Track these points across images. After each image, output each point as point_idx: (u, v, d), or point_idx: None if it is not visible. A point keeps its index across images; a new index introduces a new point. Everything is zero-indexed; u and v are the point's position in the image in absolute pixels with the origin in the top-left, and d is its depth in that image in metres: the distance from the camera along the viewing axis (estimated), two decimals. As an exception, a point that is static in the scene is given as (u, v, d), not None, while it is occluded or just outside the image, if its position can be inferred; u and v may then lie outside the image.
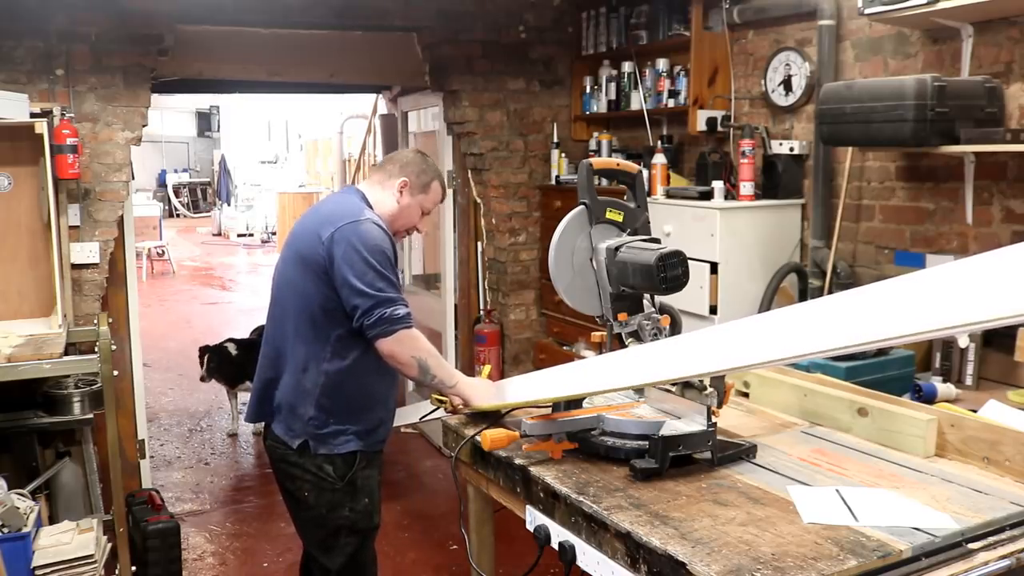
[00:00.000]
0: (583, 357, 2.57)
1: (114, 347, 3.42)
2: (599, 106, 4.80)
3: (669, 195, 3.93)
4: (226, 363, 5.48)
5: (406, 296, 2.36)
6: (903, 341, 1.25)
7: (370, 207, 2.37)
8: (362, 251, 2.21)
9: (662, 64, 4.33)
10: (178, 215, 20.40)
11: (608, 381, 1.96)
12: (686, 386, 1.97)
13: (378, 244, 2.24)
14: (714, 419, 1.93)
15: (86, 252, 3.97)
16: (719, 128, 4.01)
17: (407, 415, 2.94)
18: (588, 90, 4.86)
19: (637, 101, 4.48)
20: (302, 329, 2.32)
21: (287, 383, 2.36)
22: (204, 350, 5.54)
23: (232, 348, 5.55)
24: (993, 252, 1.16)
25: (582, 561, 1.73)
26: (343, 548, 2.39)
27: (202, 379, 5.53)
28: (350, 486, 2.36)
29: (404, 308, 2.23)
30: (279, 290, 2.42)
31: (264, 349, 2.46)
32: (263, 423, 2.50)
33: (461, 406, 2.30)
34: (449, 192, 5.21)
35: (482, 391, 2.29)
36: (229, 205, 18.33)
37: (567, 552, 1.75)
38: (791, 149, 3.69)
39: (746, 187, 3.67)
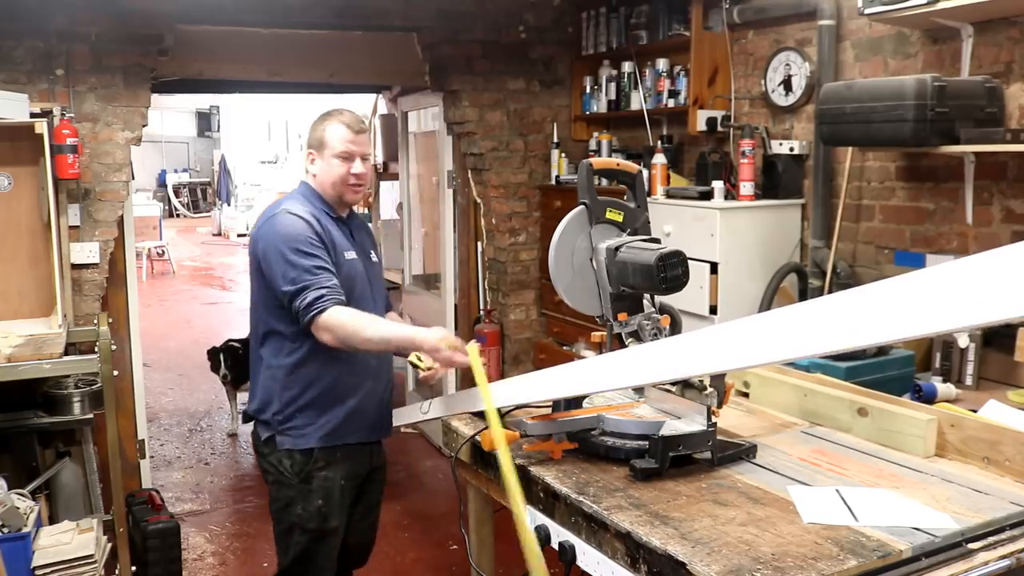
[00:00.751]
0: (583, 357, 2.56)
1: (114, 347, 3.42)
2: (599, 106, 4.80)
3: (669, 195, 3.93)
4: (236, 362, 5.49)
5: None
6: (903, 340, 1.25)
7: (308, 193, 2.41)
8: (275, 244, 2.26)
9: (662, 64, 4.33)
10: (178, 215, 20.40)
11: (608, 381, 1.96)
12: (686, 386, 1.97)
13: (289, 232, 2.26)
14: (714, 419, 1.93)
15: (86, 252, 3.97)
16: (719, 128, 4.01)
17: (406, 415, 2.93)
18: (588, 90, 4.86)
19: (637, 101, 4.48)
20: (260, 327, 2.39)
21: (259, 380, 2.42)
22: (215, 351, 5.54)
23: (239, 347, 5.56)
24: (993, 251, 1.16)
25: (582, 561, 1.73)
26: (294, 546, 2.41)
27: (224, 378, 5.54)
28: (305, 484, 2.37)
29: (314, 292, 2.21)
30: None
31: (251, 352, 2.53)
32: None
33: (436, 366, 2.29)
34: (449, 192, 5.21)
35: (433, 333, 2.21)
36: (229, 205, 18.33)
37: (567, 552, 1.75)
38: (791, 149, 3.69)
39: (746, 187, 3.67)
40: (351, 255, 2.40)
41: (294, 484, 2.36)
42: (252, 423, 2.49)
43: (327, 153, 2.38)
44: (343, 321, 2.21)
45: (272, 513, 2.45)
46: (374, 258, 2.56)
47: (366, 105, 8.97)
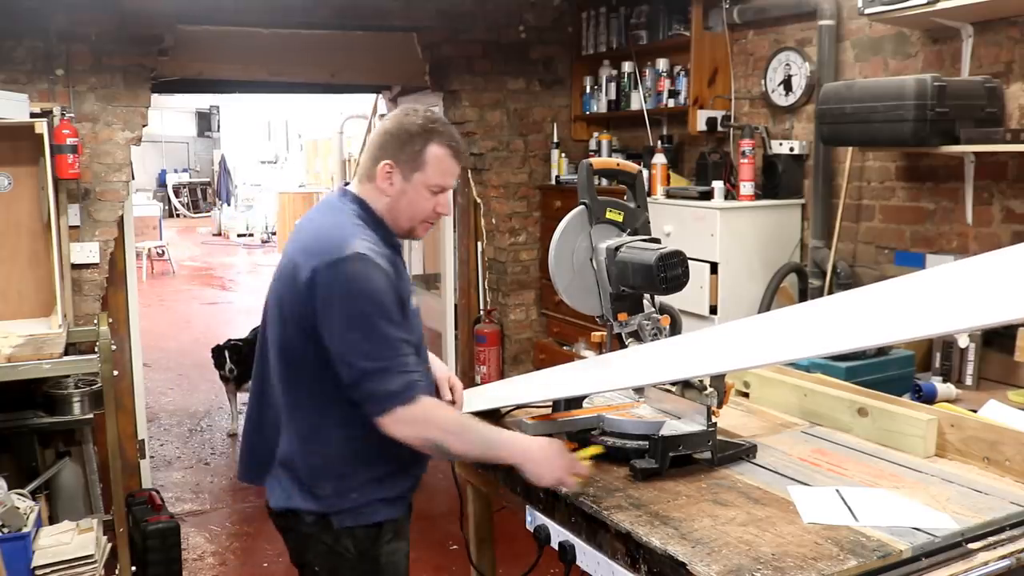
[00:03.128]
0: (583, 357, 2.55)
1: (114, 347, 3.42)
2: (599, 106, 4.80)
3: (669, 195, 3.93)
4: (241, 360, 5.50)
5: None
6: (903, 341, 1.25)
7: (367, 216, 1.87)
8: (346, 305, 1.72)
9: (662, 64, 4.33)
10: (178, 215, 20.38)
11: (608, 381, 1.96)
12: (686, 386, 1.97)
13: (370, 288, 1.73)
14: (714, 419, 1.93)
15: (86, 252, 3.97)
16: (719, 128, 4.01)
17: None
18: (588, 90, 4.86)
19: (637, 101, 4.48)
20: (297, 390, 1.84)
21: (290, 452, 1.86)
22: (219, 348, 5.53)
23: (242, 345, 5.57)
24: (993, 253, 1.16)
25: (582, 561, 1.73)
26: None
27: (228, 374, 5.52)
28: (372, 564, 1.88)
29: (400, 378, 1.71)
30: (264, 336, 1.91)
31: (254, 399, 1.97)
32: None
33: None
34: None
35: (544, 464, 1.75)
36: (229, 205, 18.32)
37: (567, 552, 1.75)
38: (791, 149, 3.69)
39: (746, 187, 3.68)
40: (415, 300, 1.92)
41: (356, 566, 1.87)
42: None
43: (418, 179, 1.84)
44: (424, 416, 1.73)
45: None
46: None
47: (366, 105, 8.98)
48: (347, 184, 1.98)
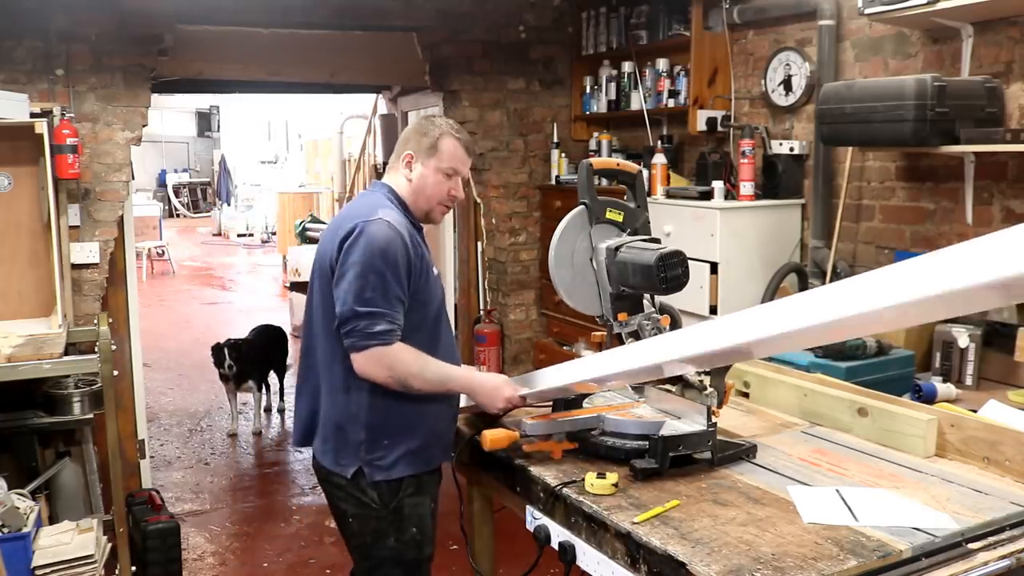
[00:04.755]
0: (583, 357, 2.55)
1: (114, 347, 3.42)
2: (599, 106, 4.80)
3: (669, 195, 3.93)
4: (240, 359, 5.50)
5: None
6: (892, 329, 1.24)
7: (394, 199, 2.18)
8: (362, 256, 2.01)
9: (662, 64, 4.33)
10: (178, 215, 20.39)
11: (609, 370, 1.94)
12: (686, 386, 1.97)
13: (386, 249, 2.01)
14: (714, 419, 1.93)
15: (86, 252, 3.97)
16: (719, 128, 4.01)
17: None
18: (588, 90, 4.86)
19: (637, 101, 4.48)
20: (333, 346, 2.09)
21: (330, 405, 2.14)
22: (219, 347, 5.52)
23: (242, 344, 5.57)
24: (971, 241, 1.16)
25: (582, 561, 1.73)
26: None
27: (228, 371, 5.51)
28: (395, 514, 2.13)
29: (385, 323, 1.99)
30: (309, 306, 2.21)
31: (301, 370, 2.26)
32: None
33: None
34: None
35: (490, 392, 2.10)
36: (229, 205, 18.33)
37: (567, 552, 1.75)
38: (791, 149, 3.69)
39: (746, 187, 3.68)
40: (436, 270, 2.23)
41: (383, 515, 2.12)
42: (307, 456, 2.23)
43: (433, 164, 2.17)
44: (409, 356, 2.02)
45: (355, 548, 2.21)
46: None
47: (366, 105, 8.98)
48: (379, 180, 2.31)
